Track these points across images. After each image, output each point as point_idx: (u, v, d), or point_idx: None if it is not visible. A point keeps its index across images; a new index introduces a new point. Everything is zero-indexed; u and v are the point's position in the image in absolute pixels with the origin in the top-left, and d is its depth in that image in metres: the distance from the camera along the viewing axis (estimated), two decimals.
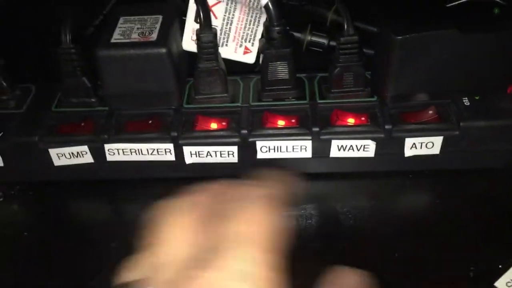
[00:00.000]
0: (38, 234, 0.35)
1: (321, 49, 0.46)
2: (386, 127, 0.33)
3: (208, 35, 0.34)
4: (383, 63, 0.33)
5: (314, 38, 0.45)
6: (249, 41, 0.38)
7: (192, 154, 0.35)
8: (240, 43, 0.38)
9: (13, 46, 0.38)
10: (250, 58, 0.39)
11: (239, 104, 0.36)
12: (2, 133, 0.35)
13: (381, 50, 0.33)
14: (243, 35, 0.38)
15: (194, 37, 0.36)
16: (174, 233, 0.21)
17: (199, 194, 0.22)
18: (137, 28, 0.34)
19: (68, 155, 0.35)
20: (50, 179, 0.37)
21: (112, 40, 0.33)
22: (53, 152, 0.35)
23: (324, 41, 0.45)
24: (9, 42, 0.37)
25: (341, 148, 0.34)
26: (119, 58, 0.33)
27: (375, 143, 0.34)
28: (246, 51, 0.38)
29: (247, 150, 0.35)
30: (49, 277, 0.32)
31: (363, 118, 0.34)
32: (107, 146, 0.35)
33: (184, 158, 0.35)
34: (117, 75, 0.34)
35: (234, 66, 0.38)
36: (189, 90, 0.37)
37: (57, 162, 0.35)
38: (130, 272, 0.21)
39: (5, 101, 0.36)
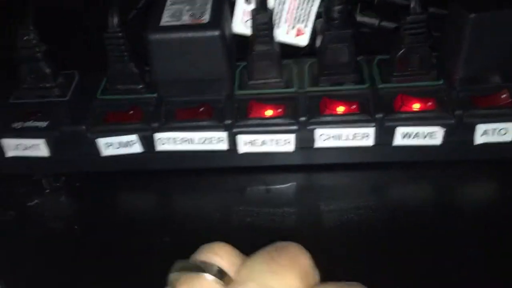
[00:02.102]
0: (87, 227, 0.33)
1: (370, 30, 0.43)
2: (456, 112, 0.31)
3: (264, 16, 0.31)
4: (453, 43, 0.31)
5: (365, 19, 0.43)
6: (302, 22, 0.36)
7: (246, 143, 0.33)
8: (292, 25, 0.36)
9: (55, 32, 0.36)
10: (303, 40, 0.36)
11: (295, 90, 0.34)
12: (48, 121, 0.34)
13: (452, 29, 0.31)
14: (296, 16, 0.36)
15: (245, 19, 0.34)
16: None
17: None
18: (187, 10, 0.32)
19: (117, 145, 0.33)
20: (97, 170, 0.35)
21: (162, 23, 0.32)
22: (101, 141, 0.33)
23: (375, 21, 0.43)
24: (50, 28, 0.35)
25: (406, 136, 0.32)
26: (170, 42, 0.31)
27: (444, 129, 0.31)
28: (299, 33, 0.36)
29: (304, 138, 0.33)
30: (100, 270, 0.31)
31: (430, 103, 0.32)
32: (157, 135, 0.33)
33: (237, 147, 0.33)
34: (168, 60, 0.32)
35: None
36: (239, 76, 0.35)
37: (105, 152, 0.34)
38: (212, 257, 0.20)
39: (48, 88, 0.35)
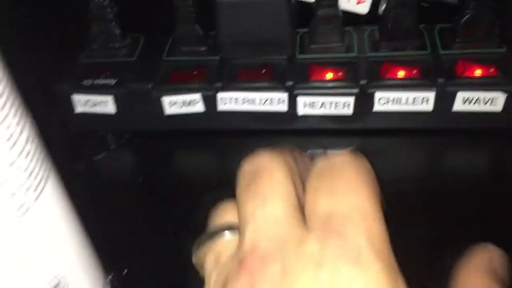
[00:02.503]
0: (148, 181, 0.35)
1: (429, 4, 0.43)
2: None
3: None
4: None
5: None
6: None
7: (306, 105, 0.34)
8: None
9: None
10: (364, 8, 0.37)
11: (356, 54, 0.34)
12: (116, 79, 0.35)
13: None
14: None
15: None
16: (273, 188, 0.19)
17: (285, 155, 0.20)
18: None
19: (180, 104, 0.35)
20: (159, 128, 0.37)
21: None
22: (165, 100, 0.35)
23: None
24: None
25: (466, 101, 0.32)
26: (237, 4, 0.32)
27: (506, 95, 0.31)
28: (360, 0, 0.37)
29: (363, 102, 0.33)
30: (159, 221, 0.32)
31: (492, 69, 0.32)
32: (219, 95, 0.34)
33: (296, 108, 0.34)
34: (234, 22, 0.33)
35: None
36: (301, 40, 0.36)
37: (168, 110, 0.35)
38: (222, 217, 0.20)
39: (117, 49, 0.36)
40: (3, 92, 0.17)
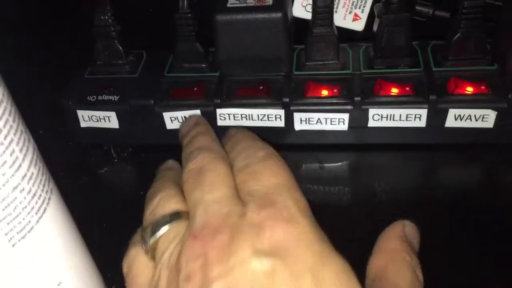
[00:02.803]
0: None
1: (425, 19, 0.44)
2: (510, 95, 0.32)
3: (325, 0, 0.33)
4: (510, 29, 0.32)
5: (419, 8, 0.44)
6: (359, 8, 0.37)
7: (302, 121, 0.35)
8: (350, 10, 0.37)
9: (124, 13, 0.39)
10: (359, 26, 0.38)
11: (350, 71, 0.35)
12: (119, 95, 0.36)
13: (509, 16, 0.32)
14: (353, 1, 0.37)
15: (304, 3, 0.36)
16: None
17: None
18: None
19: (181, 119, 0.36)
20: (161, 142, 0.38)
21: (229, 5, 0.34)
22: (167, 115, 0.36)
23: (429, 10, 0.44)
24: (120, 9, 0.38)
25: (458, 118, 0.33)
26: (237, 23, 0.33)
27: (496, 113, 0.32)
28: (356, 18, 0.38)
29: (357, 118, 0.34)
30: None
31: (483, 87, 0.33)
32: (219, 111, 0.35)
33: (293, 124, 0.35)
34: (233, 39, 0.34)
35: None
36: (297, 57, 0.37)
37: (169, 125, 0.36)
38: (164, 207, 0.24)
39: (120, 65, 0.38)
40: (7, 121, 0.18)
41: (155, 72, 0.38)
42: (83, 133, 0.38)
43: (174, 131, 0.37)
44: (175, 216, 0.23)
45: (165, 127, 0.36)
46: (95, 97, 0.37)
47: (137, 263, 0.24)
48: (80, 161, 0.38)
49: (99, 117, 0.37)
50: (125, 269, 0.25)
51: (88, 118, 0.37)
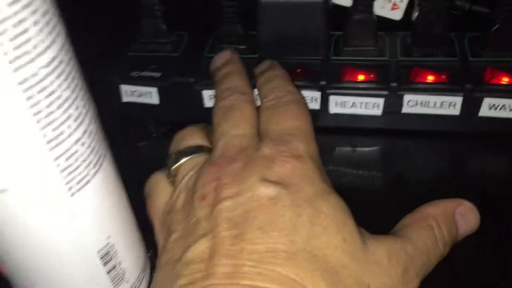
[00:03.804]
0: None
1: (460, 13, 0.45)
2: None
3: None
4: None
5: (458, 2, 0.44)
6: None
7: (337, 104, 0.36)
8: None
9: None
10: (397, 15, 0.39)
11: (387, 58, 0.36)
12: (161, 73, 0.38)
13: None
14: None
15: None
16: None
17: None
18: None
19: None
20: (198, 120, 0.39)
21: None
22: (205, 93, 0.37)
23: (466, 4, 0.44)
24: None
25: (492, 107, 0.34)
26: (280, 6, 0.34)
27: None
28: (394, 7, 0.38)
29: (392, 103, 0.35)
30: None
31: None
32: (256, 92, 0.36)
33: (328, 107, 0.36)
34: (275, 23, 0.35)
35: None
36: (335, 42, 0.38)
37: (207, 103, 0.38)
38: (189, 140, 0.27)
39: (163, 44, 0.39)
40: (74, 76, 0.20)
41: (196, 52, 0.39)
42: (125, 108, 0.39)
43: (211, 110, 0.38)
44: (197, 149, 0.26)
45: (203, 105, 0.38)
46: (138, 73, 0.38)
47: (158, 186, 0.26)
48: (120, 134, 0.40)
49: (141, 92, 0.38)
50: (147, 191, 0.27)
51: (130, 93, 0.38)
